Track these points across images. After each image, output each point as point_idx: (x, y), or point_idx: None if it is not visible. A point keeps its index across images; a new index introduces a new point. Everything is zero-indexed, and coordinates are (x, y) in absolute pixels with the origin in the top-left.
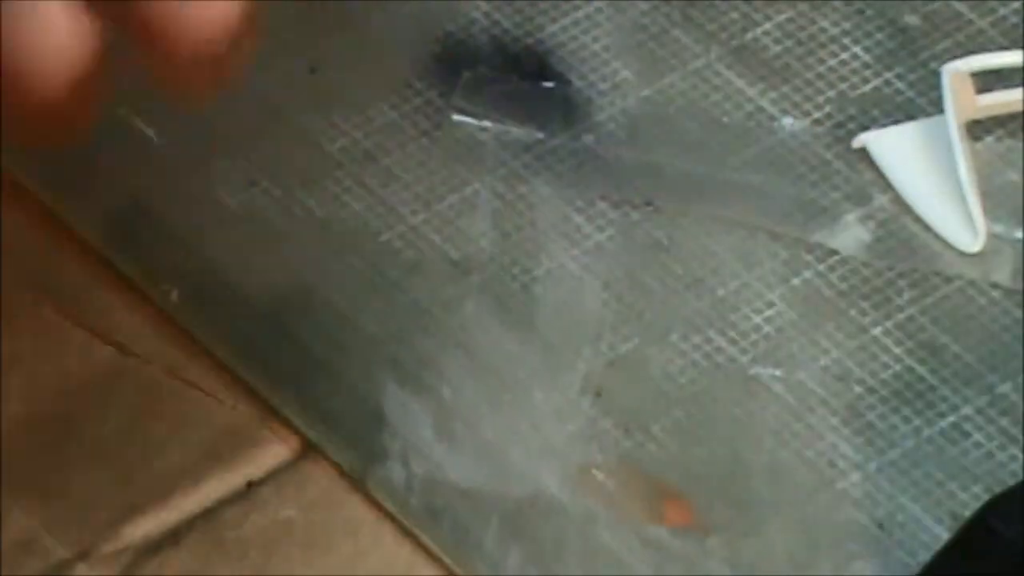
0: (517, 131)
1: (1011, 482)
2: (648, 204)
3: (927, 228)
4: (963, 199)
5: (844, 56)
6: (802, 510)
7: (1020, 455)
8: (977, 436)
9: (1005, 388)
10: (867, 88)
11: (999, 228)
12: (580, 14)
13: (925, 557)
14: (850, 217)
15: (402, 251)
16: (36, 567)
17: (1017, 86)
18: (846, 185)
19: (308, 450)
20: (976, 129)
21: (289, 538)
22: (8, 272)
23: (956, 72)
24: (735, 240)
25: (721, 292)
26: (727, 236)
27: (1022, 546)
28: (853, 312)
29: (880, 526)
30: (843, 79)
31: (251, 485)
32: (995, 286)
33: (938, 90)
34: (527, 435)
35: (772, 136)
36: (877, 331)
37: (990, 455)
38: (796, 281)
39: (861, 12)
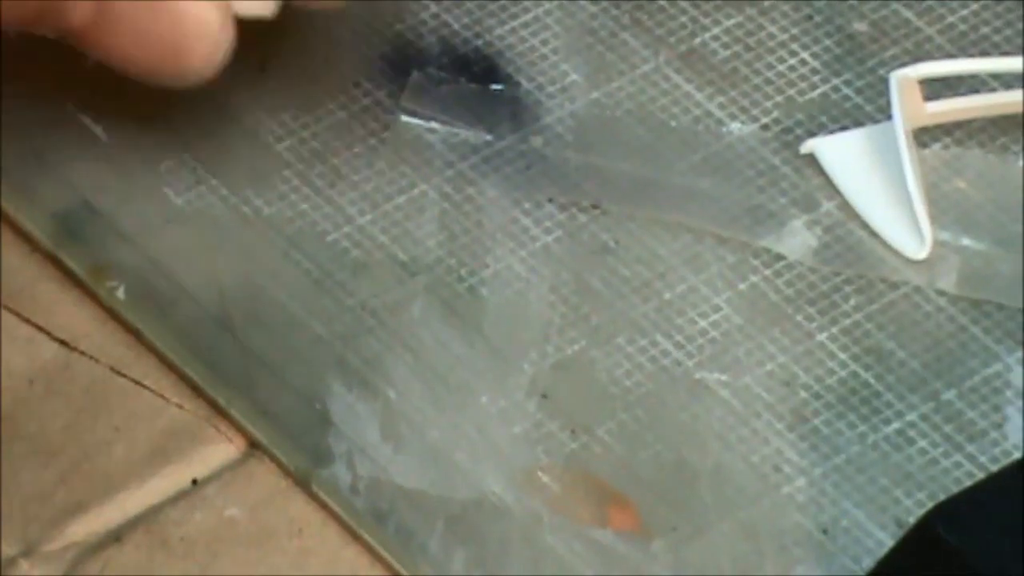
0: (465, 132)
1: (955, 489)
2: (595, 207)
3: (874, 234)
4: (910, 206)
5: (792, 62)
6: (747, 515)
7: (964, 462)
8: (922, 443)
9: (950, 395)
10: (815, 94)
11: (945, 235)
12: (529, 16)
13: (869, 563)
14: (797, 223)
15: (349, 251)
16: None
17: (965, 94)
18: (793, 191)
19: (254, 449)
20: (923, 136)
21: (234, 537)
22: None
23: (904, 79)
24: (682, 244)
25: (668, 296)
26: (674, 240)
27: (966, 554)
28: (799, 317)
29: (824, 531)
30: (791, 84)
31: (196, 483)
32: (941, 293)
33: (886, 97)
34: (473, 437)
35: (720, 141)
36: (823, 336)
37: (935, 462)
38: (743, 286)
39: (809, 18)
